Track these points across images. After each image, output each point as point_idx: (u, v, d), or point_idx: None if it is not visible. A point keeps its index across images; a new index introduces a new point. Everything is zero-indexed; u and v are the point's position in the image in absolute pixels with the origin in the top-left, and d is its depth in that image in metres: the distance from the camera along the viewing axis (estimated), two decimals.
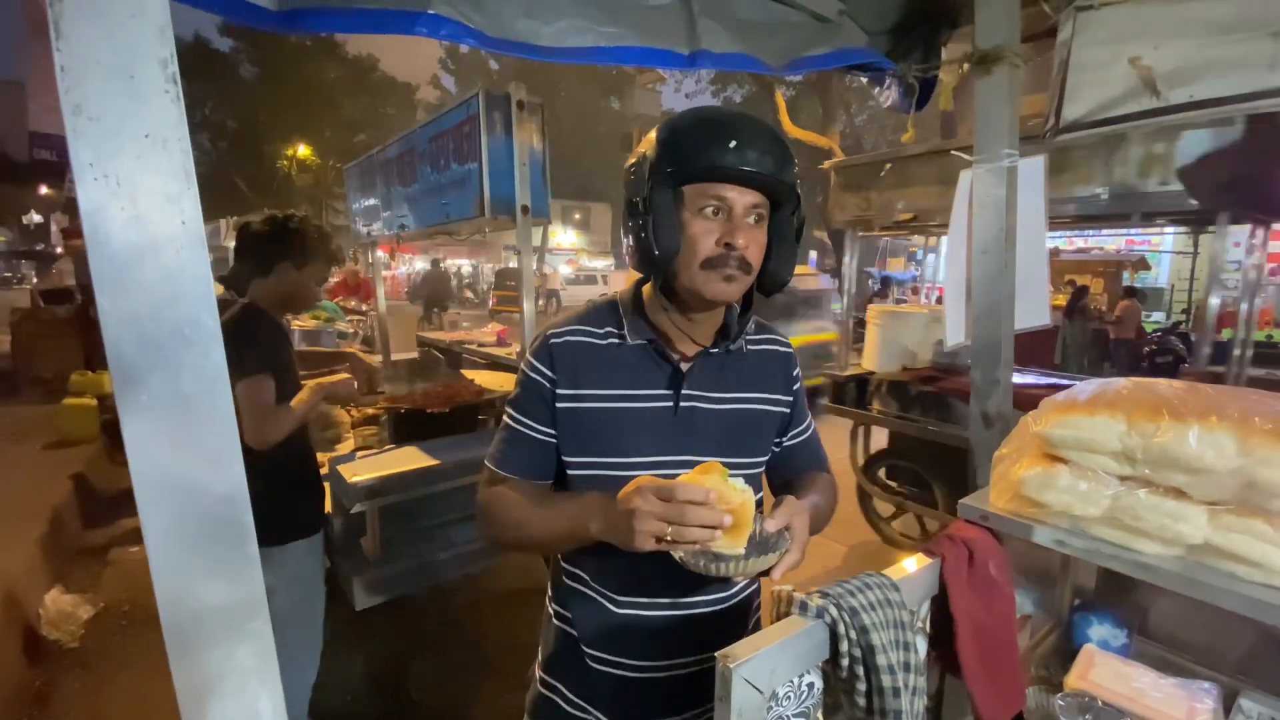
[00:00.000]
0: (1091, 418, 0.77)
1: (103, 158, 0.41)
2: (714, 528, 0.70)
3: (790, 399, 1.02)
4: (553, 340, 0.93)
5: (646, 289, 0.96)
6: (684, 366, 0.92)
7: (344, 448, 2.72)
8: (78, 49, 0.40)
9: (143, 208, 0.42)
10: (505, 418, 0.97)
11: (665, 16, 1.35)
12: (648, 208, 0.84)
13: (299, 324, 5.81)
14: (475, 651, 2.78)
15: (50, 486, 3.84)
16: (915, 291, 14.31)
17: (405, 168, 3.06)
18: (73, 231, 8.95)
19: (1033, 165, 1.36)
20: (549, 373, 0.91)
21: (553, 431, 0.92)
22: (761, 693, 0.61)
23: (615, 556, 0.85)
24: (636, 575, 0.91)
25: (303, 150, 22.65)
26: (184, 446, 0.45)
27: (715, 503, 0.70)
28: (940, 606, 0.84)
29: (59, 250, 14.98)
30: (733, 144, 0.82)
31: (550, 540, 0.89)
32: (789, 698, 0.67)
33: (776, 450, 1.02)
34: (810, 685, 0.69)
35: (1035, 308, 1.43)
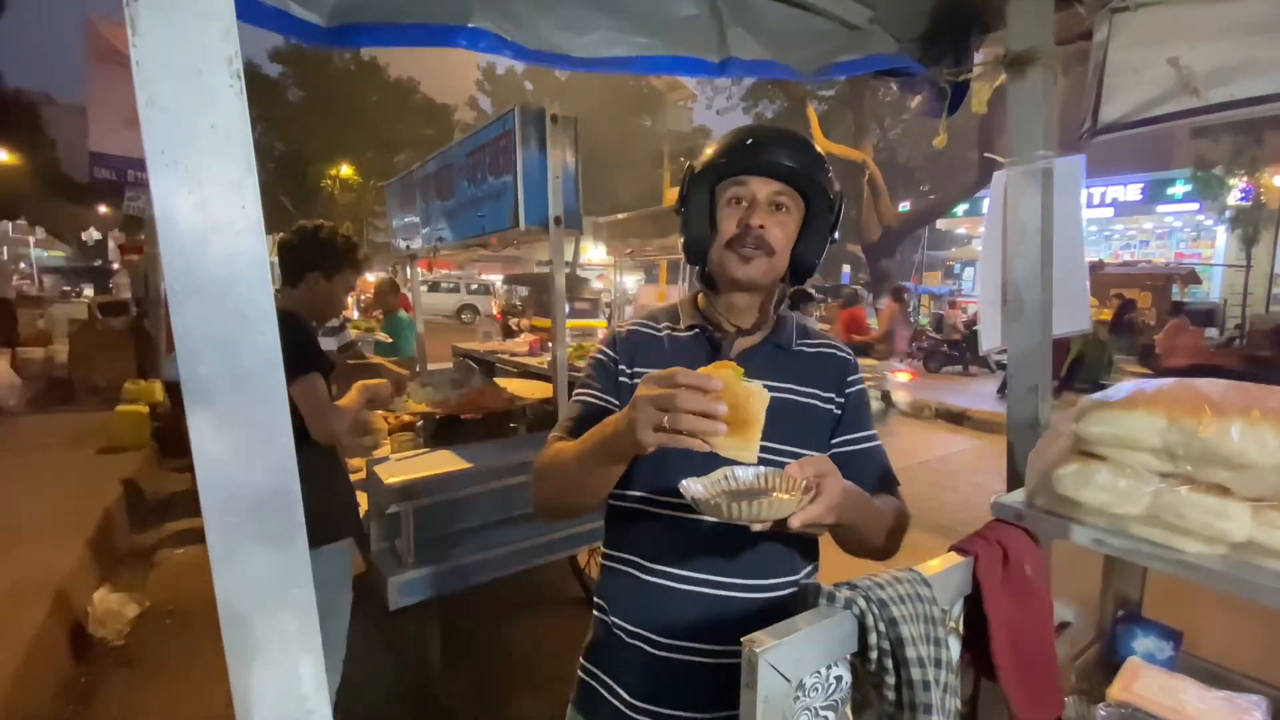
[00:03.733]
0: (1130, 414, 0.76)
1: (172, 146, 0.44)
2: (711, 417, 0.66)
3: (843, 400, 1.03)
4: (618, 330, 1.08)
5: (700, 294, 1.09)
6: (732, 356, 0.98)
7: (381, 453, 2.79)
8: (151, 46, 0.43)
9: (207, 193, 0.45)
10: (573, 398, 1.04)
11: (695, 26, 1.37)
12: (688, 206, 1.02)
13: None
14: (505, 658, 2.79)
15: (102, 490, 4.00)
16: (953, 306, 14.03)
17: (443, 182, 3.15)
18: (129, 247, 9.37)
19: (1070, 166, 1.35)
20: (614, 354, 1.04)
21: (615, 400, 0.99)
22: (789, 681, 0.61)
23: (648, 521, 0.96)
24: (667, 541, 0.94)
25: (345, 170, 23.42)
26: (239, 419, 0.48)
27: (721, 392, 0.67)
28: (974, 607, 0.82)
29: (115, 266, 15.71)
30: (750, 141, 0.97)
31: (586, 466, 0.85)
32: (816, 689, 0.66)
33: (831, 455, 0.99)
34: (838, 678, 0.69)
35: (1074, 313, 1.41)
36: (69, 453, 4.83)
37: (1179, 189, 13.52)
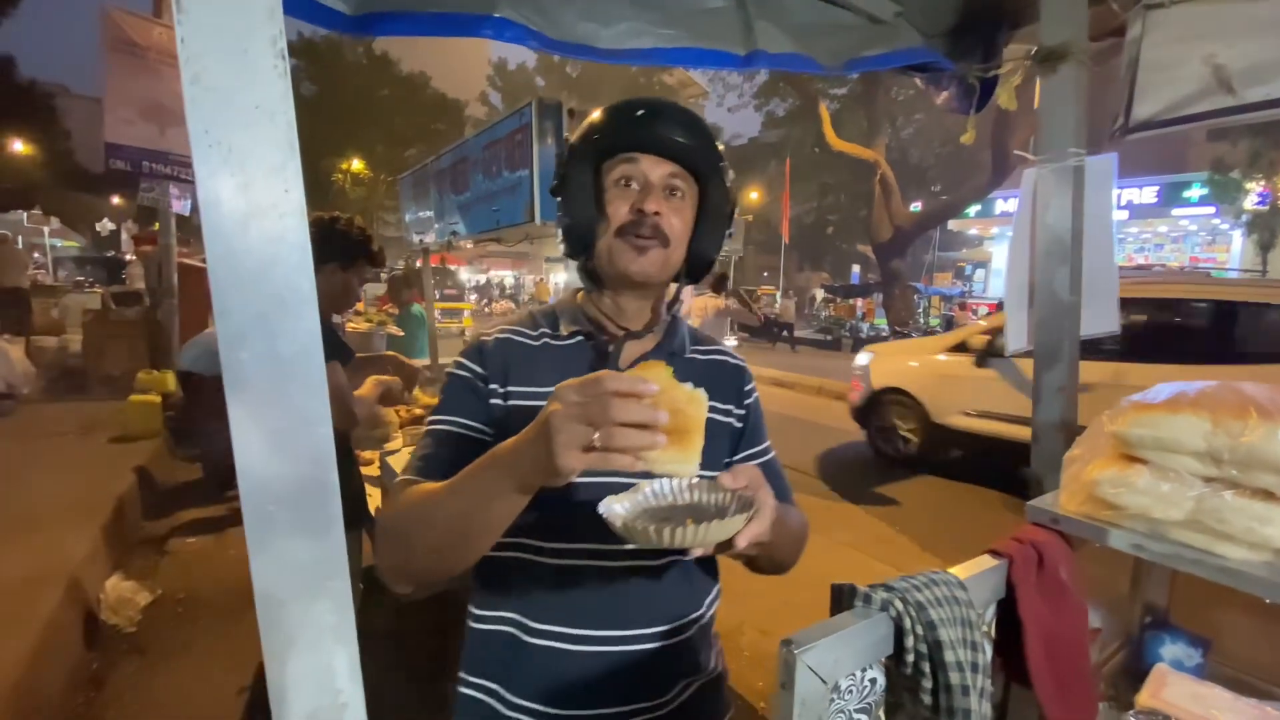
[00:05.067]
0: (1174, 416, 0.74)
1: (217, 126, 0.43)
2: (651, 429, 0.55)
3: (743, 413, 0.95)
4: (482, 339, 0.89)
5: (580, 293, 0.95)
6: (621, 365, 0.88)
7: (393, 446, 2.79)
8: (197, 23, 0.43)
9: (250, 175, 0.45)
10: (426, 428, 0.86)
11: (721, 19, 1.36)
12: (566, 186, 0.86)
13: (352, 326, 5.99)
14: None
15: (114, 478, 4.02)
16: (963, 308, 13.94)
17: (458, 176, 3.14)
18: (143, 238, 9.43)
19: (1102, 165, 1.32)
20: (479, 369, 0.86)
21: (488, 430, 0.83)
22: (825, 682, 0.60)
23: (531, 569, 0.81)
24: (556, 592, 0.81)
25: (356, 164, 23.50)
26: (278, 405, 0.47)
27: (656, 399, 0.56)
28: (1007, 611, 0.81)
29: (129, 257, 15.82)
30: (640, 113, 0.84)
31: (471, 509, 0.67)
32: (851, 691, 0.65)
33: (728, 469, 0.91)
34: (873, 681, 0.68)
35: (1104, 314, 1.38)
36: (82, 441, 4.86)
37: (1195, 192, 13.41)
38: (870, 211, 13.05)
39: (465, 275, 30.53)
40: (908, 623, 0.64)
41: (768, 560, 0.83)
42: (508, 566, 0.83)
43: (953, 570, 0.75)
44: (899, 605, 0.65)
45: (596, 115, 0.87)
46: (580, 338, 0.89)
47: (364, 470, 2.58)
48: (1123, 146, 1.41)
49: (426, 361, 4.04)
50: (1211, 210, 13.18)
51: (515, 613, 0.82)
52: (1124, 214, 14.89)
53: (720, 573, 0.95)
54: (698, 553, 0.64)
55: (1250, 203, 11.95)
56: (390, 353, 3.24)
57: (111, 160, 5.80)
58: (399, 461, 1.97)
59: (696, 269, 0.91)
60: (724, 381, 0.94)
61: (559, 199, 0.89)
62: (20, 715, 2.04)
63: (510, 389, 0.84)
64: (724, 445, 0.91)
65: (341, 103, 23.37)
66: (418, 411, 2.97)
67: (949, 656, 0.63)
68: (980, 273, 19.47)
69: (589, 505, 0.68)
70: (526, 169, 2.34)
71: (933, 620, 0.64)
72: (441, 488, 0.70)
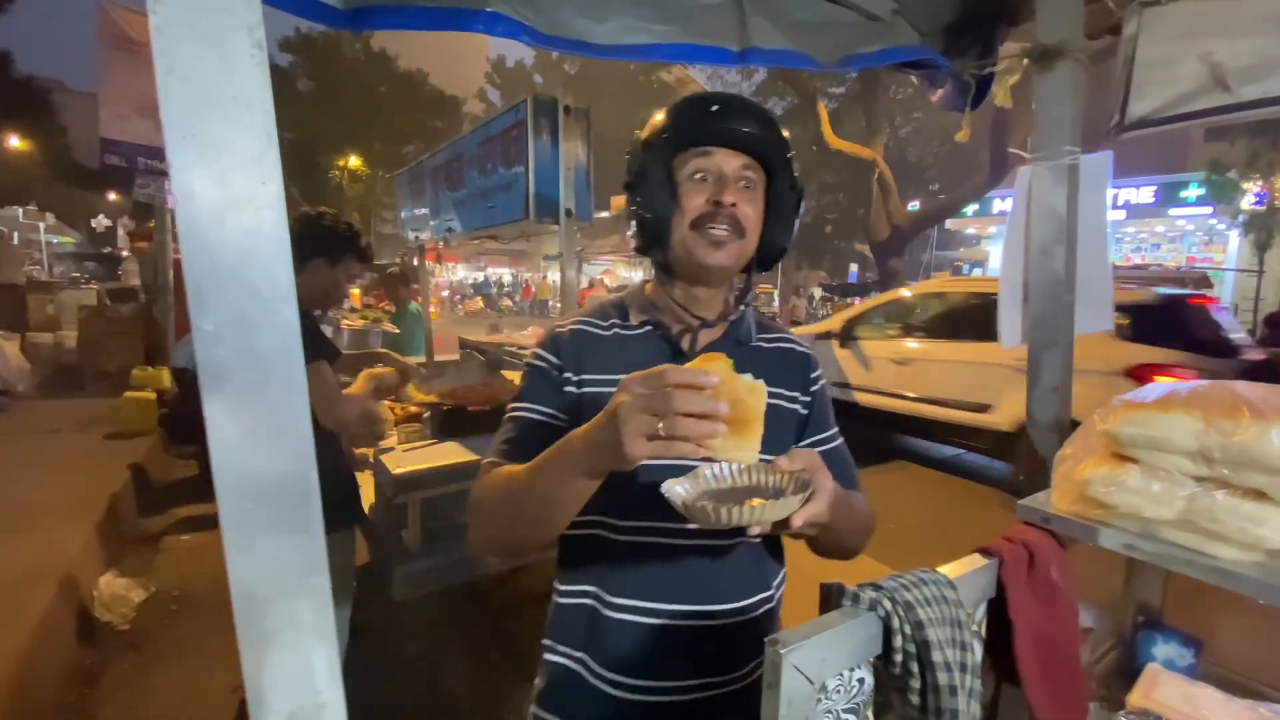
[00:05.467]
0: (1166, 415, 0.73)
1: (191, 117, 0.43)
2: (711, 418, 0.59)
3: (809, 399, 0.96)
4: (557, 330, 0.94)
5: (650, 284, 0.98)
6: (686, 350, 0.90)
7: (388, 444, 2.78)
8: (172, 11, 0.42)
9: (227, 166, 0.44)
10: (508, 415, 0.91)
11: (716, 14, 1.35)
12: (640, 180, 0.89)
13: (347, 323, 5.98)
14: (510, 650, 2.78)
15: (109, 475, 4.01)
16: None
17: (454, 172, 3.13)
18: (138, 234, 9.39)
19: (1096, 163, 1.32)
20: (554, 359, 0.90)
21: (563, 416, 0.87)
22: (812, 682, 0.60)
23: (608, 547, 0.86)
24: (632, 568, 0.85)
25: (354, 161, 23.45)
26: (256, 402, 0.46)
27: (716, 390, 0.60)
28: (997, 611, 0.80)
29: (125, 253, 15.77)
30: (715, 108, 0.86)
31: (546, 492, 0.74)
32: (839, 691, 0.65)
33: None
34: (860, 681, 0.67)
35: (1098, 313, 1.38)
36: (77, 437, 4.85)
37: (1192, 192, 13.42)
38: (868, 210, 13.03)
39: (463, 273, 30.50)
40: (896, 622, 0.64)
41: (831, 543, 0.86)
42: (586, 543, 0.88)
43: (942, 569, 0.74)
44: (887, 604, 0.65)
45: (668, 111, 0.90)
46: (649, 327, 0.93)
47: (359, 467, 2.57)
48: (1120, 146, 1.40)
49: (423, 359, 4.03)
50: (1209, 210, 13.20)
51: (594, 586, 0.87)
52: (1121, 214, 14.89)
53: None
54: (755, 532, 0.66)
55: (1247, 203, 11.97)
56: (383, 350, 3.23)
57: (107, 156, 5.78)
58: (392, 460, 1.97)
59: (769, 258, 0.94)
60: (790, 369, 0.96)
61: (631, 193, 0.90)
62: (13, 713, 2.04)
63: (583, 377, 0.89)
64: (789, 431, 0.93)
65: (340, 99, 23.31)
66: (413, 409, 2.96)
67: (937, 656, 0.63)
68: (977, 272, 19.48)
69: (659, 487, 0.72)
70: (522, 165, 2.34)
71: (921, 620, 0.64)
72: (522, 470, 0.76)
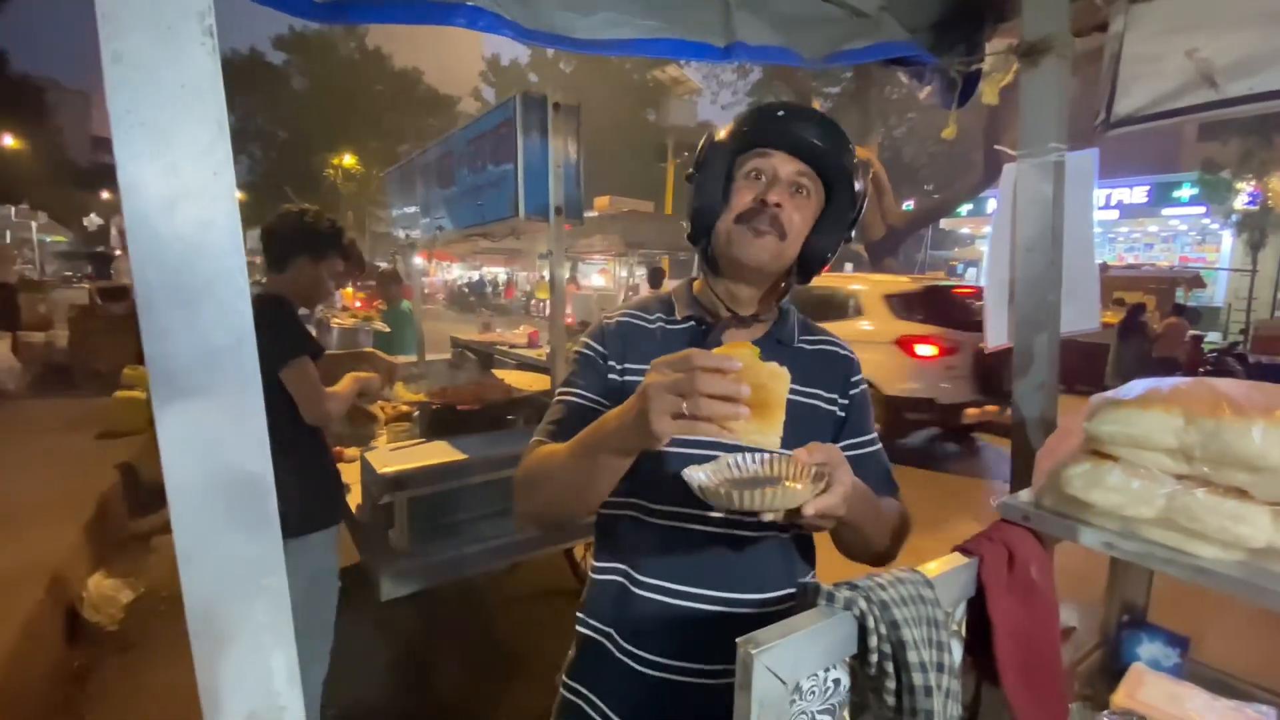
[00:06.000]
0: (1145, 412, 0.73)
1: (140, 105, 0.41)
2: (733, 401, 0.62)
3: (846, 402, 0.97)
4: (605, 321, 0.99)
5: (698, 281, 1.01)
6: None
7: (378, 443, 2.77)
8: None
9: (177, 156, 0.43)
10: (556, 398, 0.96)
11: (701, 9, 1.34)
12: (700, 173, 0.93)
13: (337, 321, 5.95)
14: (498, 650, 2.78)
15: (99, 475, 3.99)
16: None
17: (444, 170, 3.12)
18: None
19: (1083, 161, 1.31)
20: (601, 348, 0.95)
21: (606, 402, 0.91)
22: (785, 683, 0.59)
23: (639, 528, 0.91)
24: (660, 550, 0.89)
25: (348, 159, 23.38)
26: (208, 397, 0.45)
27: (739, 375, 0.63)
28: (977, 610, 0.80)
29: (117, 252, 15.69)
30: (780, 114, 0.90)
31: (583, 467, 0.78)
32: (813, 693, 0.64)
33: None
34: (836, 681, 0.66)
35: (1084, 311, 1.38)
36: (67, 437, 4.82)
37: (1185, 192, 13.46)
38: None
39: (457, 271, 30.43)
40: (871, 622, 0.63)
41: (856, 542, 0.88)
42: (620, 524, 0.93)
43: (921, 568, 0.73)
44: (862, 604, 0.64)
45: (739, 115, 0.94)
46: (692, 323, 0.96)
47: (348, 466, 2.56)
48: (1112, 146, 1.39)
49: (412, 358, 4.01)
50: (1202, 210, 13.24)
51: (625, 564, 0.92)
52: (1114, 213, 14.92)
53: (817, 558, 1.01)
54: (769, 518, 0.70)
55: (1240, 203, 12.01)
56: (369, 350, 3.21)
57: (100, 154, 5.75)
58: (379, 459, 1.95)
59: (808, 267, 0.94)
60: (831, 371, 0.98)
61: (692, 184, 0.94)
62: (0, 714, 2.02)
63: (626, 366, 0.94)
64: (825, 431, 0.95)
65: (334, 98, 23.24)
66: (403, 408, 2.95)
67: (912, 657, 0.62)
68: (972, 271, 19.53)
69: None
70: (511, 163, 2.32)
71: (896, 620, 0.63)
72: (564, 448, 0.81)
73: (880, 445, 1.01)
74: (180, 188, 0.43)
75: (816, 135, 0.88)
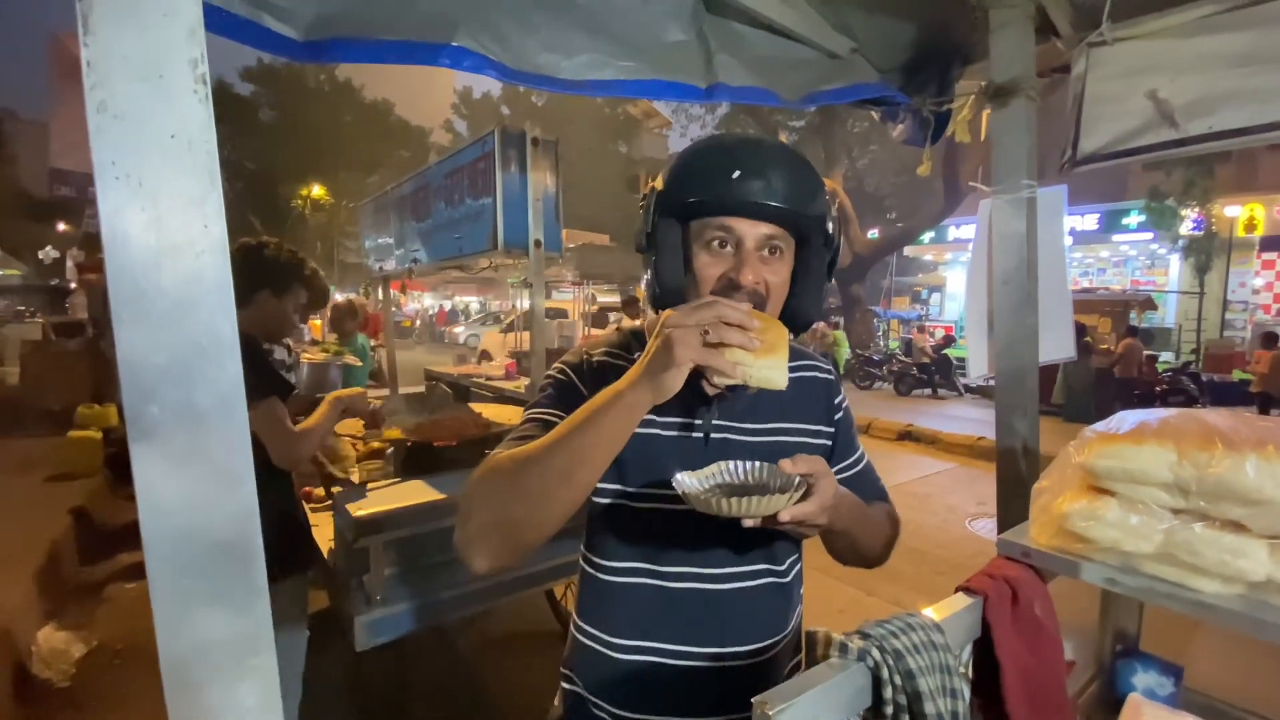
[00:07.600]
0: (1139, 447, 0.73)
1: (125, 156, 0.39)
2: (748, 331, 0.69)
3: (832, 429, 0.97)
4: (588, 354, 0.93)
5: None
6: (712, 392, 0.85)
7: (352, 476, 2.67)
8: (106, 45, 0.39)
9: (164, 210, 0.40)
10: (526, 418, 0.87)
11: (682, 51, 1.36)
12: (653, 244, 0.84)
13: (307, 357, 5.80)
14: (478, 696, 2.68)
15: (49, 520, 3.80)
16: (921, 330, 14.30)
17: (419, 203, 3.10)
18: (88, 266, 9.08)
19: (1053, 196, 1.35)
20: (578, 378, 0.90)
21: None
22: None
23: (626, 589, 0.89)
24: (648, 611, 0.88)
25: (317, 190, 23.16)
26: (195, 463, 0.42)
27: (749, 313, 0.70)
28: (983, 650, 0.78)
29: (73, 285, 15.20)
30: (737, 174, 0.78)
31: (571, 445, 0.71)
32: None
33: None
34: None
35: (1060, 340, 1.41)
36: (16, 480, 4.59)
37: (1134, 219, 14.05)
38: None
39: (429, 300, 30.15)
40: (885, 673, 0.61)
41: (843, 547, 0.90)
42: (601, 581, 0.92)
43: (928, 611, 0.72)
44: (876, 654, 0.62)
45: (686, 163, 0.83)
46: None
47: (318, 507, 2.47)
48: (1066, 176, 1.45)
49: (386, 393, 3.93)
50: (1150, 236, 13.83)
51: (644, 561, 0.89)
52: (1068, 240, 15.45)
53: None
54: (749, 523, 0.71)
55: (1186, 228, 12.57)
56: (349, 391, 3.12)
57: (57, 186, 5.64)
58: (354, 503, 1.88)
59: (797, 320, 0.87)
60: (813, 400, 0.97)
61: (645, 254, 0.87)
62: None
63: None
64: None
65: (303, 129, 23.08)
66: (376, 445, 2.86)
67: (929, 708, 0.60)
68: (936, 297, 20.02)
69: (694, 526, 0.81)
70: (490, 196, 2.32)
71: (911, 669, 0.61)
72: (545, 436, 0.74)
73: (867, 459, 1.03)
74: (167, 242, 0.41)
75: (782, 195, 0.78)
